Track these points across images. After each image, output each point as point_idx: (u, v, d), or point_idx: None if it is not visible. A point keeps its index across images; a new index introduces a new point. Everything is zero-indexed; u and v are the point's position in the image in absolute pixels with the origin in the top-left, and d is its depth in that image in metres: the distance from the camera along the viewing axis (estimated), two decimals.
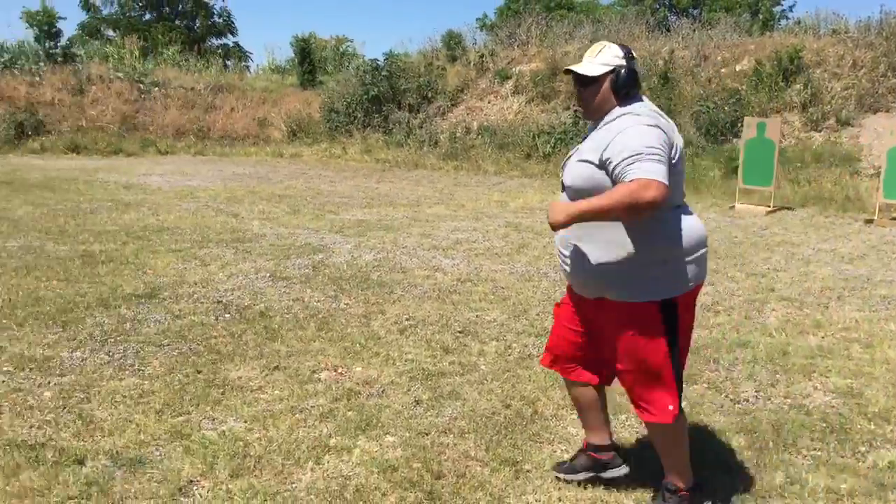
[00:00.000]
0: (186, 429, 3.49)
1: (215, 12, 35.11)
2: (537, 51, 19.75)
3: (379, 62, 20.68)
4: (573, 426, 3.60)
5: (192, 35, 32.69)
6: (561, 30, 20.68)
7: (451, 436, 3.50)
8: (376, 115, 19.88)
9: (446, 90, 19.88)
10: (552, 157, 16.04)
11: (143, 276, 6.29)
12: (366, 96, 19.89)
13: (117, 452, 3.23)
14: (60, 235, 7.88)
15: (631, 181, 2.41)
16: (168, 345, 4.67)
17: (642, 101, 2.73)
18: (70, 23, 45.45)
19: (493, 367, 4.44)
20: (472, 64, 20.50)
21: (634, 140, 2.50)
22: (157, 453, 3.25)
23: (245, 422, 3.59)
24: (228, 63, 30.50)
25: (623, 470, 3.06)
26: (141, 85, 21.07)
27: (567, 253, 2.79)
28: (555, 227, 2.60)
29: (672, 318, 2.68)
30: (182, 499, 2.90)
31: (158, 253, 7.20)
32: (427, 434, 3.53)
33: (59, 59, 21.21)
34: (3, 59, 20.18)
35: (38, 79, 19.90)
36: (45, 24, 21.41)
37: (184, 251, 7.30)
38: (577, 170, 2.70)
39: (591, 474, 3.07)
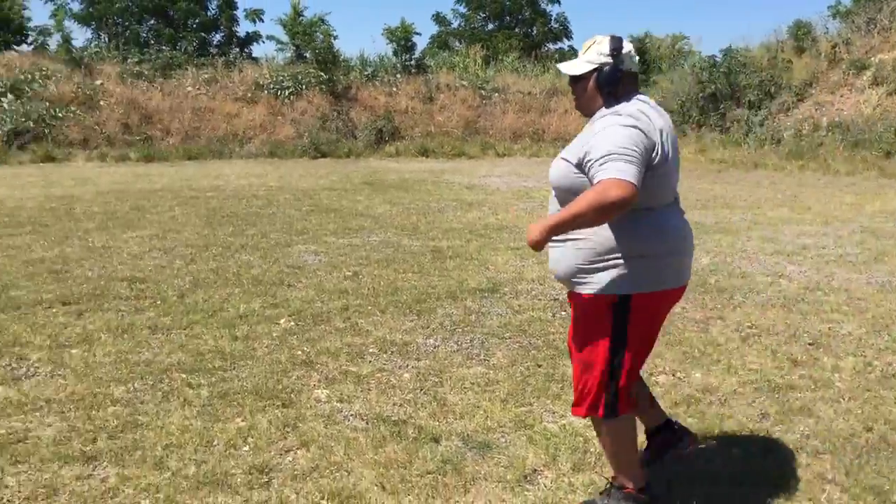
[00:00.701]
0: (529, 419, 3.64)
1: (552, 18, 36.08)
2: None
3: (717, 58, 19.87)
4: None
5: (529, 41, 33.89)
6: None
7: (804, 454, 3.27)
8: (712, 114, 19.13)
9: (791, 84, 18.53)
10: None
11: (485, 272, 6.68)
12: (701, 94, 19.22)
13: (468, 435, 3.47)
14: (413, 232, 8.64)
15: (597, 183, 2.36)
16: (510, 337, 4.91)
17: (633, 99, 2.61)
18: (423, 37, 49.66)
19: (850, 384, 4.06)
20: (822, 55, 18.86)
21: (607, 141, 2.43)
22: (503, 440, 3.44)
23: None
24: None
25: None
26: (482, 91, 22.39)
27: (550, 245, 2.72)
28: (536, 248, 2.51)
29: (622, 318, 2.60)
30: (528, 486, 3.03)
31: (498, 250, 7.60)
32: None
33: (413, 70, 23.24)
34: (366, 73, 22.60)
35: (394, 89, 22.00)
36: (403, 39, 23.58)
37: (521, 249, 7.63)
38: (558, 167, 2.65)
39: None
